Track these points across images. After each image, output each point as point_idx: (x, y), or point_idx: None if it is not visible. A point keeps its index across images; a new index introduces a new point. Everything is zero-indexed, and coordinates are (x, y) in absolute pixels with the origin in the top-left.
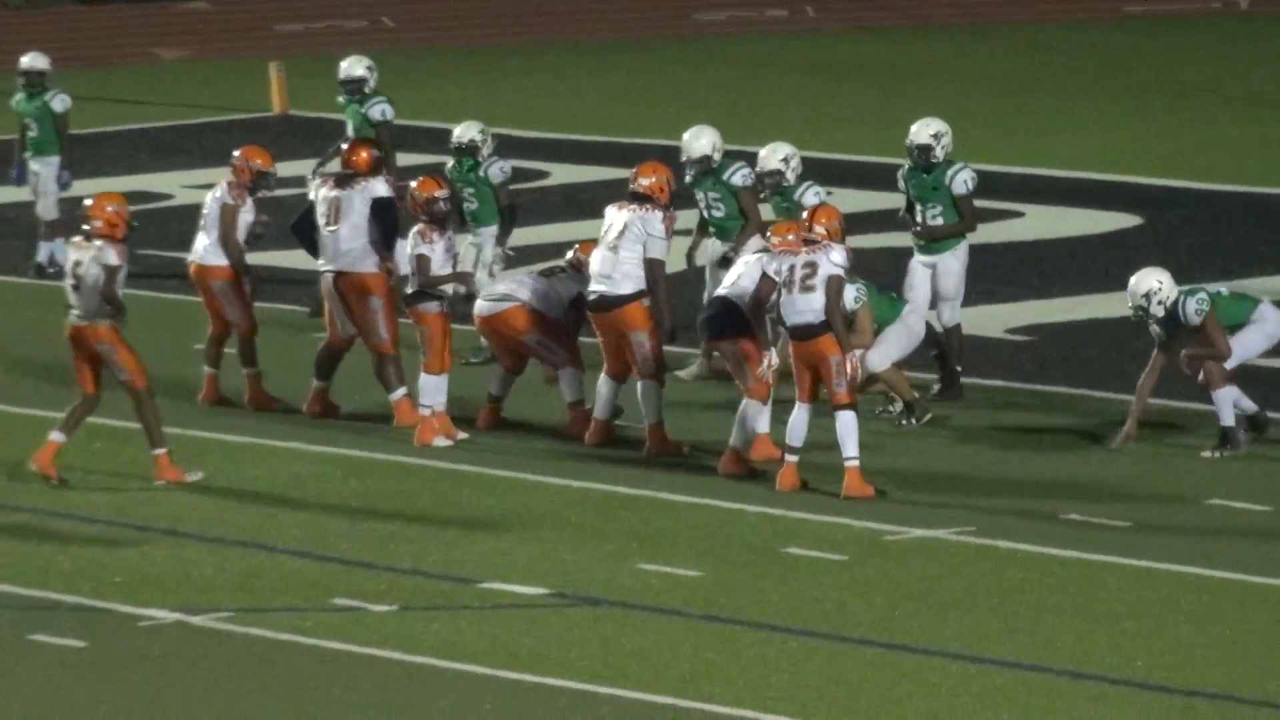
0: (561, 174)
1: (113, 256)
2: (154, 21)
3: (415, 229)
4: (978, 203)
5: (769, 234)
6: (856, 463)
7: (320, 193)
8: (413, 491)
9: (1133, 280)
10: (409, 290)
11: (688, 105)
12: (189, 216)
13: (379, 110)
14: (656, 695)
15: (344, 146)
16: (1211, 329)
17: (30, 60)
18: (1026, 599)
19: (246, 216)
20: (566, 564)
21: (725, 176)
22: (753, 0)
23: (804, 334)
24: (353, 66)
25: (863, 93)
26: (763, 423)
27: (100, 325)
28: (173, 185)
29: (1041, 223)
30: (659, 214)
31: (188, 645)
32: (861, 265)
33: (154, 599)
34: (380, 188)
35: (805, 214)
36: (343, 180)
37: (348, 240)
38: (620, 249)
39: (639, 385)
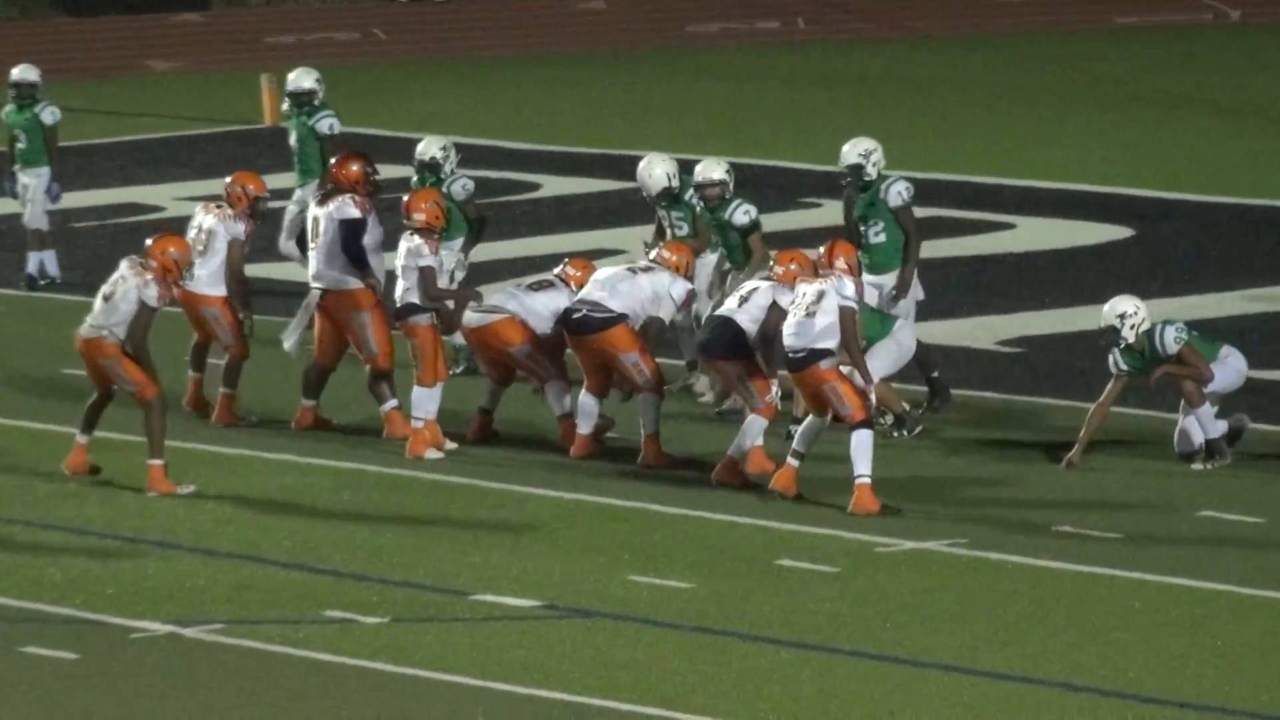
0: (553, 186)
1: (154, 296)
2: (146, 33)
3: (416, 242)
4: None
5: (772, 264)
6: (868, 480)
7: (311, 209)
8: (404, 503)
9: (1108, 304)
10: (405, 302)
11: (680, 117)
12: (181, 228)
13: (327, 124)
14: (649, 707)
15: (333, 161)
16: (1190, 355)
17: (21, 72)
18: (1018, 610)
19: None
20: (558, 576)
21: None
22: (744, 13)
23: (795, 364)
24: (301, 79)
25: (854, 105)
26: (760, 437)
27: (105, 340)
28: (164, 197)
29: (1033, 234)
30: (685, 287)
31: (180, 657)
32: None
33: (146, 611)
34: (350, 209)
35: (824, 248)
36: (325, 197)
37: (326, 258)
38: (630, 280)
39: (640, 397)
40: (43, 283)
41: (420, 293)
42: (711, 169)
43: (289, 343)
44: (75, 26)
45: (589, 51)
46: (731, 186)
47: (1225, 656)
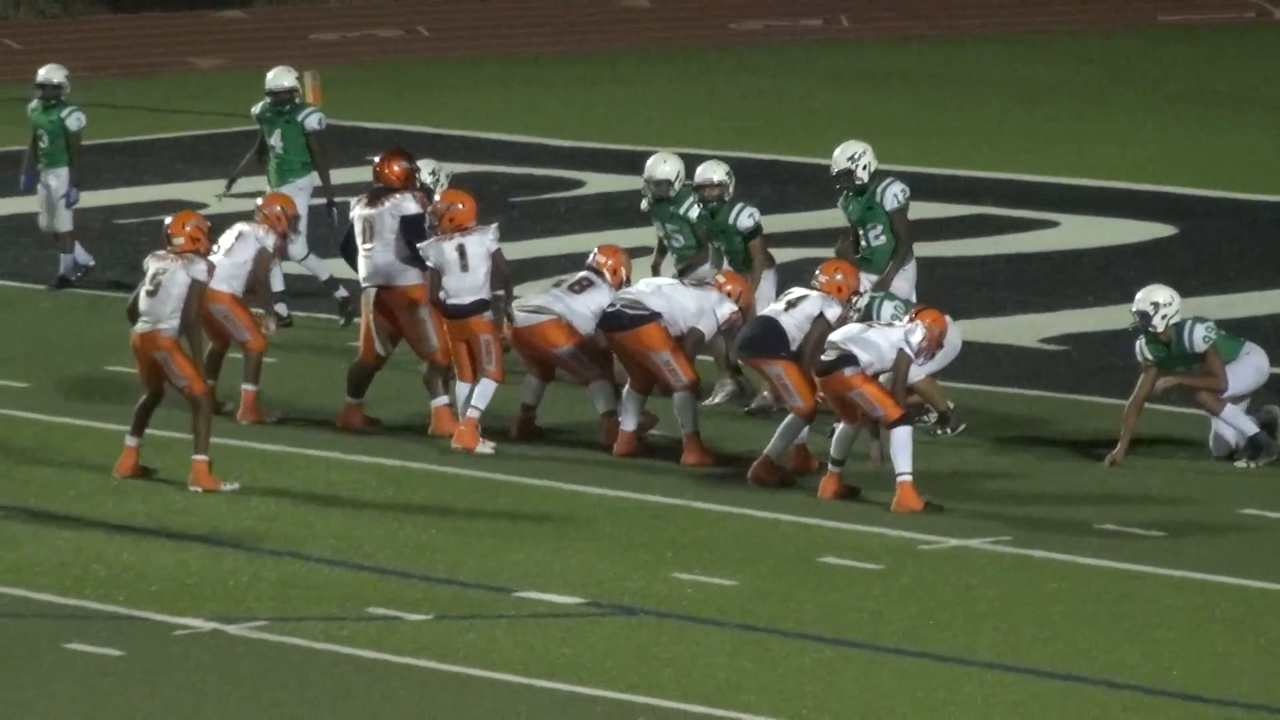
0: (596, 183)
1: (203, 270)
2: (189, 30)
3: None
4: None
5: (819, 271)
6: (909, 478)
7: (356, 211)
8: (448, 501)
9: (1143, 290)
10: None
11: (723, 115)
12: (224, 225)
13: (315, 119)
14: (692, 704)
15: (375, 160)
16: (1213, 358)
17: (47, 72)
18: (1061, 608)
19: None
20: (602, 573)
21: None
22: (788, 10)
23: (821, 370)
24: (280, 77)
25: (897, 102)
26: (802, 434)
27: (162, 333)
28: (207, 194)
29: (1076, 232)
30: (731, 308)
31: (224, 654)
32: None
33: (190, 608)
34: (410, 205)
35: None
36: (374, 197)
37: (382, 256)
38: (677, 289)
39: (675, 397)
40: (77, 276)
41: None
42: (712, 170)
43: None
44: (118, 23)
45: (632, 48)
46: (732, 189)
47: (1269, 654)
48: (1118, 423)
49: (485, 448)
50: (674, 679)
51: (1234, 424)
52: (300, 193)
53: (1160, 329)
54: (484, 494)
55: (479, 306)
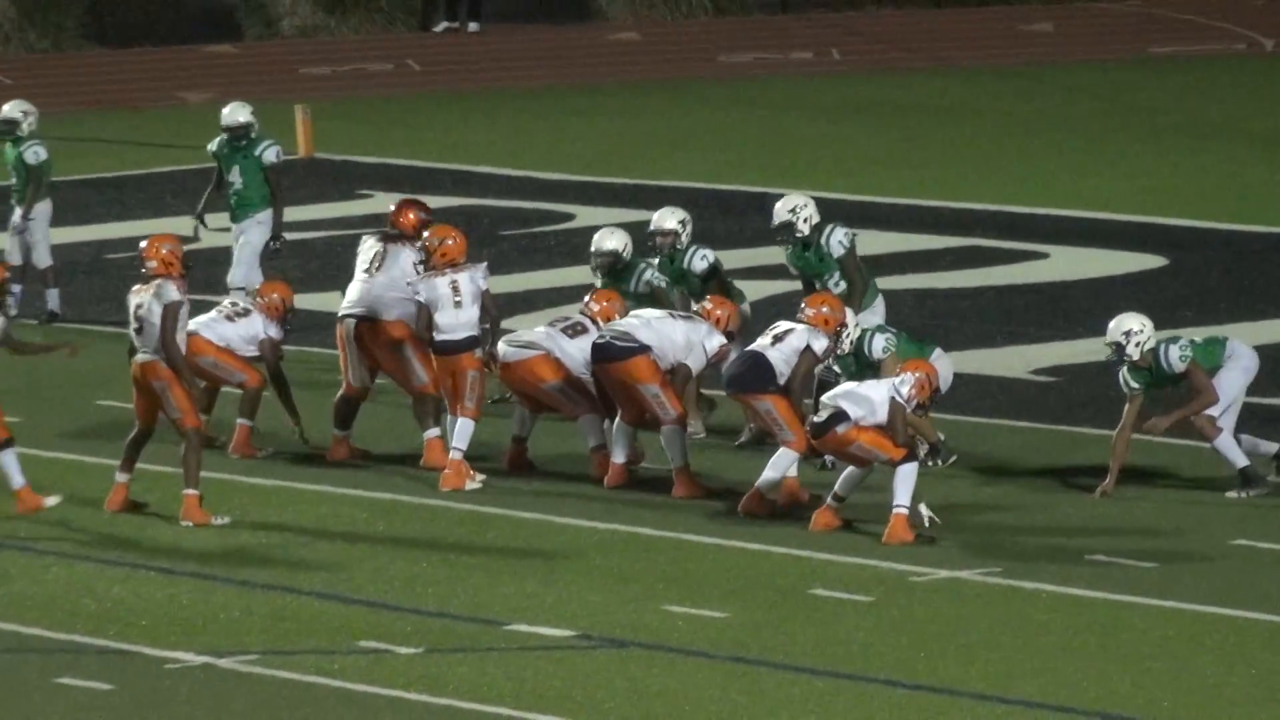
0: (587, 216)
1: (172, 291)
2: (179, 65)
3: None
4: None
5: (804, 305)
6: (905, 510)
7: (368, 242)
8: (439, 534)
9: (1114, 320)
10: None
11: (713, 147)
12: (214, 260)
13: (273, 152)
14: None
15: (392, 207)
16: (1196, 374)
17: (9, 109)
18: (1052, 639)
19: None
20: (593, 606)
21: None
22: (778, 43)
23: (814, 432)
24: (236, 113)
25: (888, 134)
26: (793, 469)
27: (161, 363)
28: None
29: (1067, 264)
30: (720, 341)
31: (214, 687)
32: (888, 308)
33: (180, 641)
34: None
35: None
36: (391, 237)
37: (383, 289)
38: (667, 322)
39: (663, 430)
40: (62, 315)
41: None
42: (666, 218)
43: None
44: (108, 58)
45: (623, 81)
46: (685, 237)
47: (1260, 685)
48: (1108, 454)
49: (474, 483)
50: (665, 711)
51: (1227, 455)
52: (259, 226)
53: (1136, 356)
54: (475, 527)
55: (471, 343)
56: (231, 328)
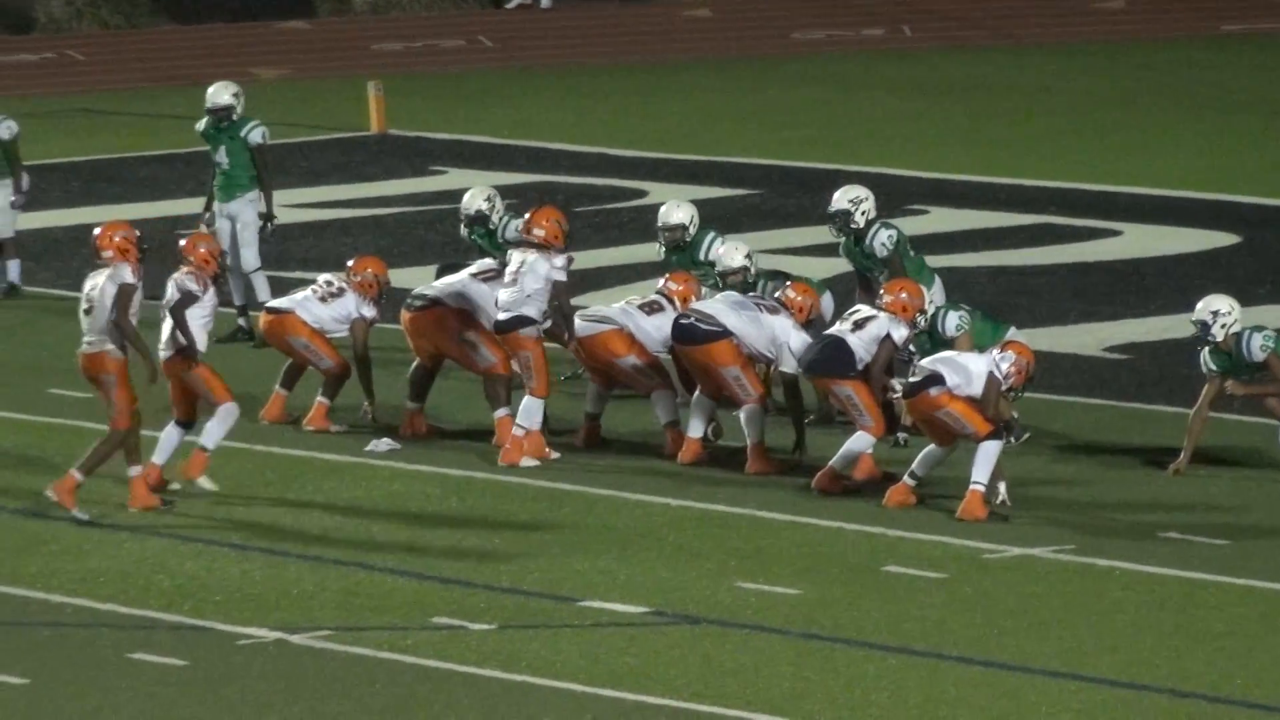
0: (659, 193)
1: (128, 274)
2: (252, 41)
3: (533, 256)
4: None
5: (883, 291)
6: (982, 488)
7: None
8: (512, 510)
9: (1203, 300)
10: (515, 315)
11: (784, 124)
12: (288, 235)
13: (259, 133)
14: (756, 713)
15: (527, 216)
16: (1276, 366)
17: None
18: (1125, 617)
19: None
20: (666, 582)
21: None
22: (850, 20)
23: (906, 391)
24: (219, 93)
25: (959, 112)
26: (868, 450)
27: (108, 355)
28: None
29: (1139, 241)
30: (803, 340)
31: (287, 663)
32: (961, 285)
33: (254, 617)
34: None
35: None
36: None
37: (480, 298)
38: (753, 312)
39: (743, 409)
40: (20, 289)
41: (538, 307)
42: (671, 212)
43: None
44: (181, 34)
45: (695, 58)
46: (694, 227)
47: None
48: (1181, 432)
49: (531, 461)
50: (738, 688)
51: None
52: (250, 205)
53: (1220, 338)
54: (548, 503)
55: (518, 322)
56: (324, 308)
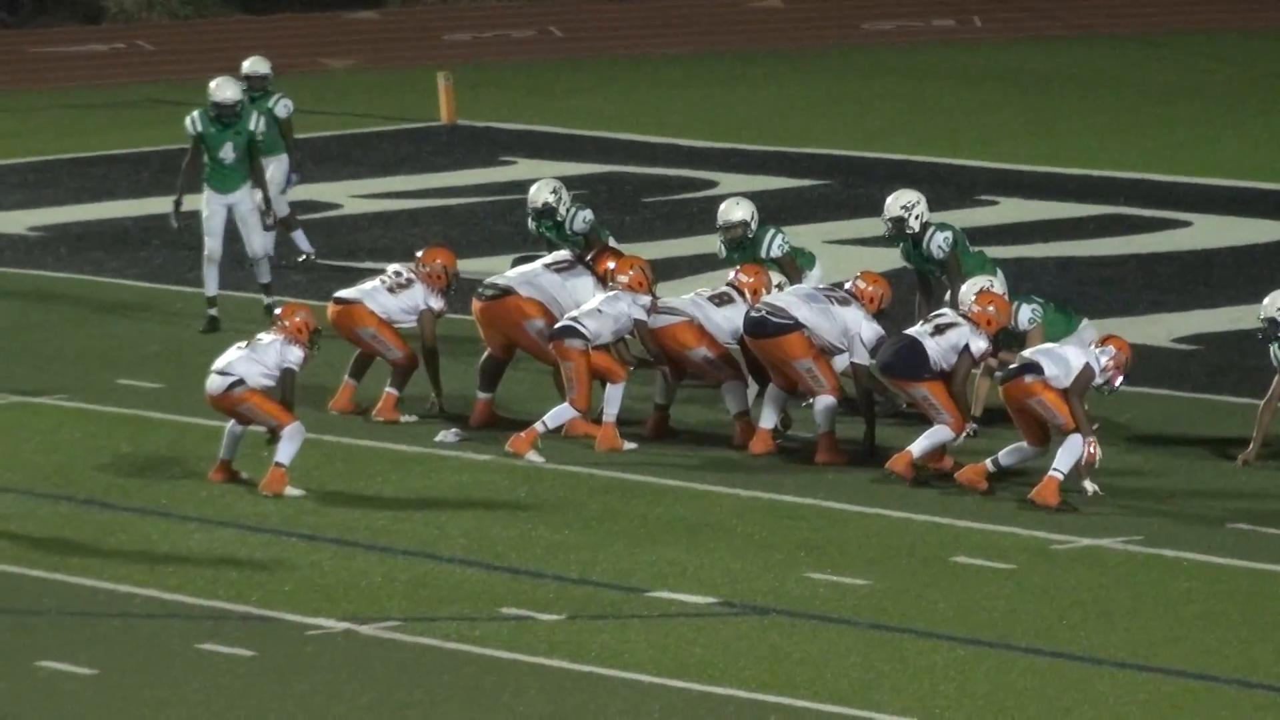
0: (729, 184)
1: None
2: (322, 31)
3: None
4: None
5: (972, 299)
6: (1060, 476)
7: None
8: (581, 500)
9: (1270, 296)
10: (567, 324)
11: (855, 115)
12: (357, 226)
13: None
14: (824, 704)
15: (612, 266)
16: None
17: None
18: (1193, 608)
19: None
20: (734, 573)
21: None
22: (921, 10)
23: (1004, 377)
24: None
25: (1029, 103)
26: (949, 441)
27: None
28: (340, 195)
29: (1209, 232)
30: (875, 332)
31: (356, 654)
32: (1029, 276)
33: (322, 608)
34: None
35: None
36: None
37: (553, 288)
38: (824, 305)
39: (817, 400)
40: None
41: (598, 327)
42: (732, 210)
43: None
44: (251, 24)
45: (765, 49)
46: (755, 224)
47: None
48: (1250, 423)
49: (536, 457)
50: (806, 679)
51: None
52: (249, 194)
53: None
54: (617, 494)
55: (568, 332)
56: (392, 300)
